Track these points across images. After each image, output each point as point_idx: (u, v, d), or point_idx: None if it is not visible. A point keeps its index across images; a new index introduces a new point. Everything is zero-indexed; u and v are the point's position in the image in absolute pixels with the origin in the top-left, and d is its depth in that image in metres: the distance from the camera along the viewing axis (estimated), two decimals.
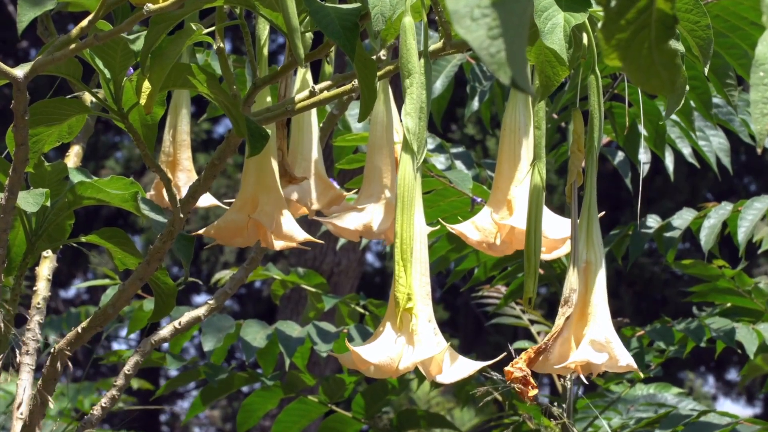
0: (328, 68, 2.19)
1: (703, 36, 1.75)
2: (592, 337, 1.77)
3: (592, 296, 1.81)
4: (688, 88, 1.83)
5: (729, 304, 3.62)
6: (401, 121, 1.72)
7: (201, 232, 2.13)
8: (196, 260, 12.92)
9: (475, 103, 3.49)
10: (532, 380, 1.78)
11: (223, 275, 3.78)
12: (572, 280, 1.81)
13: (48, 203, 2.01)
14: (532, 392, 1.77)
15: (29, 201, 1.93)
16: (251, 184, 2.12)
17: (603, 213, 1.88)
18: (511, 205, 1.94)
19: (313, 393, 3.68)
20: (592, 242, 1.82)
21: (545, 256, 1.94)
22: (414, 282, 1.69)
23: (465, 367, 1.70)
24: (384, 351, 1.67)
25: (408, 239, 1.70)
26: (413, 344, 1.67)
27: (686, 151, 3.53)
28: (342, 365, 3.65)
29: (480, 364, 1.70)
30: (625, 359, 1.78)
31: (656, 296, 11.57)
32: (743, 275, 3.56)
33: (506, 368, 1.78)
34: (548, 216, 1.92)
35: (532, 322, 3.83)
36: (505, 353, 1.93)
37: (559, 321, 1.79)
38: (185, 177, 2.35)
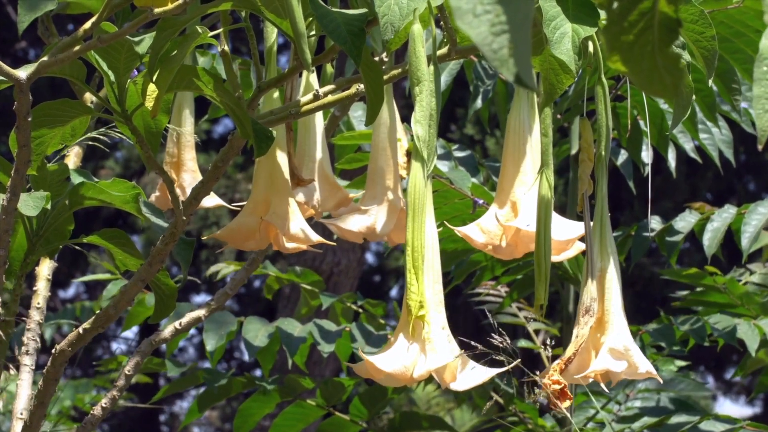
0: (330, 70, 2.18)
1: (708, 47, 1.75)
2: (611, 345, 1.77)
3: (607, 304, 1.81)
4: (694, 97, 1.83)
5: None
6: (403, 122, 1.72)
7: (213, 235, 2.13)
8: (196, 260, 12.91)
9: (479, 102, 3.49)
10: (568, 392, 1.77)
11: (221, 267, 3.76)
12: (591, 289, 1.81)
13: (48, 206, 2.01)
14: (566, 403, 1.77)
15: (30, 204, 1.93)
16: (262, 186, 2.11)
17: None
18: (515, 207, 1.94)
19: (312, 395, 3.68)
20: (606, 250, 1.83)
21: (552, 258, 1.94)
22: (426, 290, 1.68)
23: (479, 374, 1.69)
24: (398, 360, 1.66)
25: (419, 247, 1.70)
26: (427, 352, 1.66)
27: (688, 146, 3.52)
28: (342, 365, 3.67)
29: (493, 371, 1.70)
30: (645, 366, 1.78)
31: (656, 296, 11.56)
32: (735, 282, 3.54)
33: (544, 381, 1.78)
34: (554, 218, 1.91)
35: (528, 320, 3.82)
36: (518, 360, 1.92)
37: (584, 330, 1.78)
38: (190, 178, 2.35)
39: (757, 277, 3.64)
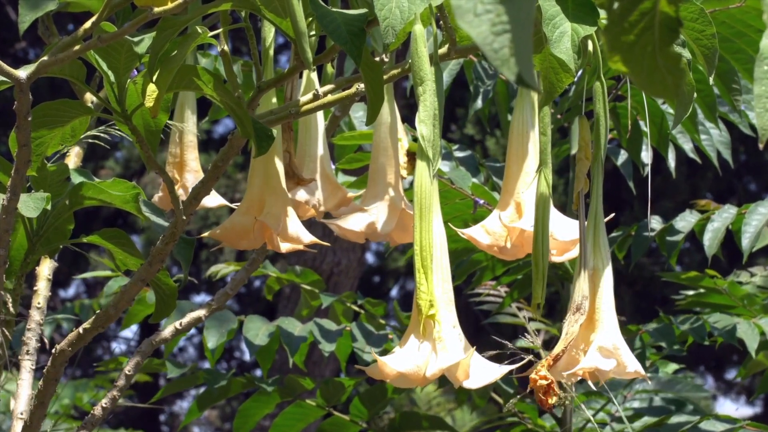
0: (330, 70, 2.18)
1: (708, 45, 1.75)
2: (600, 343, 1.77)
3: (599, 302, 1.81)
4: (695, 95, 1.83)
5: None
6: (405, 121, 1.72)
7: (207, 234, 2.12)
8: (197, 260, 12.91)
9: (479, 102, 3.48)
10: (556, 388, 1.77)
11: (220, 268, 3.76)
12: (583, 287, 1.81)
13: (49, 206, 2.01)
14: (552, 400, 1.77)
15: (30, 205, 1.93)
16: (257, 186, 2.11)
17: (611, 216, 1.88)
18: (520, 208, 1.94)
19: (312, 396, 3.68)
20: (599, 249, 1.83)
21: (556, 259, 1.94)
22: (436, 289, 1.68)
23: (491, 371, 1.69)
24: (410, 359, 1.66)
25: (427, 246, 1.70)
26: (438, 351, 1.66)
27: (687, 146, 3.52)
28: (341, 364, 3.67)
29: (506, 368, 1.70)
30: (633, 366, 1.77)
31: (656, 296, 11.57)
32: (735, 285, 3.54)
33: (531, 376, 1.78)
34: (557, 218, 1.92)
35: (529, 320, 3.83)
36: (530, 357, 1.93)
37: (574, 328, 1.78)
38: (192, 177, 2.35)
39: (759, 279, 3.64)
